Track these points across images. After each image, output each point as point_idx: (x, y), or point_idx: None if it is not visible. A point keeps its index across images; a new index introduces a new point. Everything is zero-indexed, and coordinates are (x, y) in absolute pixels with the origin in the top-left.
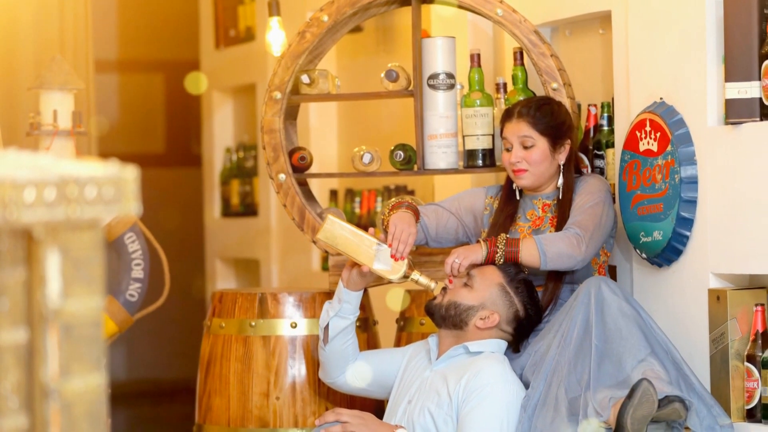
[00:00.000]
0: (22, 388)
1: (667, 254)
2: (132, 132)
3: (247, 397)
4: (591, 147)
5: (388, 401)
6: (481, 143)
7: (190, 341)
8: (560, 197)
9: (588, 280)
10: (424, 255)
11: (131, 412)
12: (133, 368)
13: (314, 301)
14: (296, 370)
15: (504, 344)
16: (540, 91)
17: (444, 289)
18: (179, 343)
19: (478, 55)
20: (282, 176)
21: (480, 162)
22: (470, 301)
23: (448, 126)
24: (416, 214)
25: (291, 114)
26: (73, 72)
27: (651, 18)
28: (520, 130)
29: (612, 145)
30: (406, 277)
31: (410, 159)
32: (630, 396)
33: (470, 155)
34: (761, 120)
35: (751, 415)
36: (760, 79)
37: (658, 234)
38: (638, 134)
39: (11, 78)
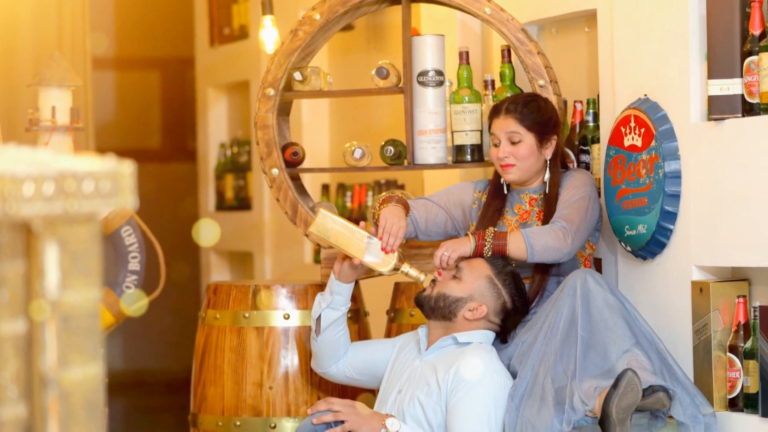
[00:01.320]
0: (21, 377)
1: (651, 247)
2: (128, 128)
3: (240, 387)
4: (577, 142)
5: (378, 391)
6: (469, 139)
7: (186, 332)
8: (547, 192)
9: (574, 273)
10: (413, 248)
11: (128, 402)
12: (129, 358)
13: (306, 293)
14: (289, 360)
15: (492, 335)
16: (527, 88)
17: (433, 281)
18: (175, 334)
19: (467, 53)
20: (275, 171)
21: (468, 157)
22: (459, 293)
23: (438, 122)
24: (406, 208)
25: (284, 110)
26: (71, 69)
27: (635, 16)
28: (507, 125)
29: (597, 141)
30: (396, 269)
31: (400, 154)
32: (615, 386)
33: (459, 150)
34: (743, 116)
35: (733, 405)
36: (742, 76)
37: (642, 227)
38: (623, 130)
39: (11, 75)
